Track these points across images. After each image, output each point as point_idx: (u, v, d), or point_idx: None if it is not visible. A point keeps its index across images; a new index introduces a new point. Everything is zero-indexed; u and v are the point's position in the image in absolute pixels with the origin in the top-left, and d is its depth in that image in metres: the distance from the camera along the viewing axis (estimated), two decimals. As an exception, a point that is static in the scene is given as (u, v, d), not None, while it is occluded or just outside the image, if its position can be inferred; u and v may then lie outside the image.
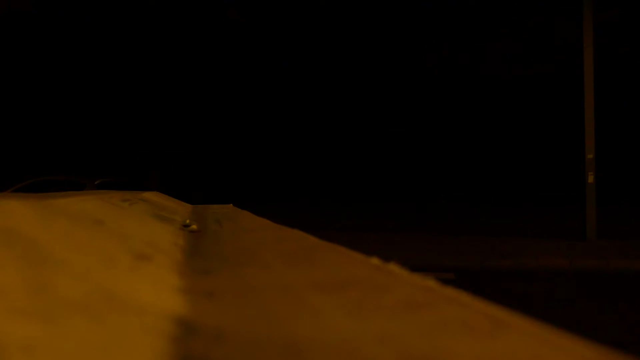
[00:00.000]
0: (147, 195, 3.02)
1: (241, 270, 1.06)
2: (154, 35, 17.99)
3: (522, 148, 17.62)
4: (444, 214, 14.72)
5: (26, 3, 18.23)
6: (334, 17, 17.50)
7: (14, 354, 0.46)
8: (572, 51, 12.90)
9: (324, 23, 17.62)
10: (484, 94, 17.76)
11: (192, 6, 18.25)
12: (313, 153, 17.60)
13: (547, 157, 17.37)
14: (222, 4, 18.17)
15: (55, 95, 18.21)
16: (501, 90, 17.72)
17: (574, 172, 13.52)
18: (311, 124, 17.78)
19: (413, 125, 17.76)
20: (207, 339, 0.59)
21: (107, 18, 18.22)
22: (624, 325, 5.74)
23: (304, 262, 1.16)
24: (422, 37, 17.89)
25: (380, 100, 17.84)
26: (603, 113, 13.89)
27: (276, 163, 17.85)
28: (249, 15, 18.14)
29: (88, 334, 0.54)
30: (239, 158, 18.02)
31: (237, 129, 18.09)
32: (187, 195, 7.03)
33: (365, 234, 12.15)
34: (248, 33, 18.19)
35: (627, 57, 16.99)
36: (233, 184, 17.00)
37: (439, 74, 17.79)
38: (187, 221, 2.17)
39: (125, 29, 18.13)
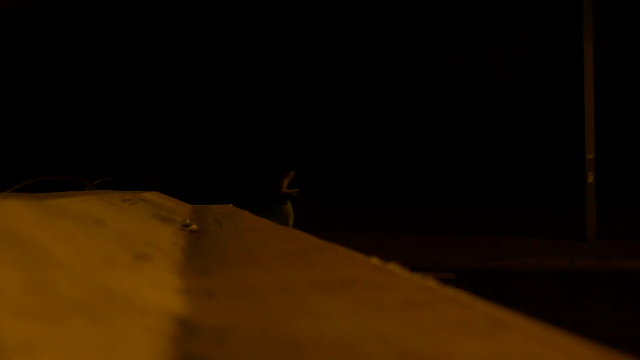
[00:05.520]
0: (147, 195, 3.01)
1: (241, 270, 1.06)
2: (156, 35, 18.02)
3: (522, 148, 17.63)
4: (444, 214, 14.72)
5: (26, 2, 18.24)
6: (342, 13, 17.53)
7: (14, 354, 0.46)
8: (572, 51, 12.89)
9: (328, 21, 17.65)
10: (483, 94, 17.77)
11: (193, 4, 18.27)
12: (312, 153, 17.61)
13: (547, 157, 17.38)
14: (224, 2, 18.19)
15: (56, 95, 18.22)
16: (501, 90, 17.73)
17: (574, 172, 13.51)
18: (310, 125, 17.79)
19: (412, 126, 17.78)
20: (207, 339, 0.59)
21: (108, 17, 18.24)
22: (624, 325, 5.74)
23: (304, 262, 1.16)
24: (421, 37, 17.91)
25: (379, 100, 17.86)
26: (603, 113, 13.88)
27: (276, 163, 17.86)
28: (251, 13, 18.16)
29: (88, 333, 0.54)
30: (239, 158, 18.04)
31: (237, 129, 18.11)
32: (187, 195, 7.04)
33: (366, 234, 12.14)
34: (250, 32, 18.22)
35: (627, 56, 17.00)
36: (233, 184, 17.01)
37: (437, 74, 17.81)
38: (187, 221, 2.16)
39: (127, 28, 18.15)
